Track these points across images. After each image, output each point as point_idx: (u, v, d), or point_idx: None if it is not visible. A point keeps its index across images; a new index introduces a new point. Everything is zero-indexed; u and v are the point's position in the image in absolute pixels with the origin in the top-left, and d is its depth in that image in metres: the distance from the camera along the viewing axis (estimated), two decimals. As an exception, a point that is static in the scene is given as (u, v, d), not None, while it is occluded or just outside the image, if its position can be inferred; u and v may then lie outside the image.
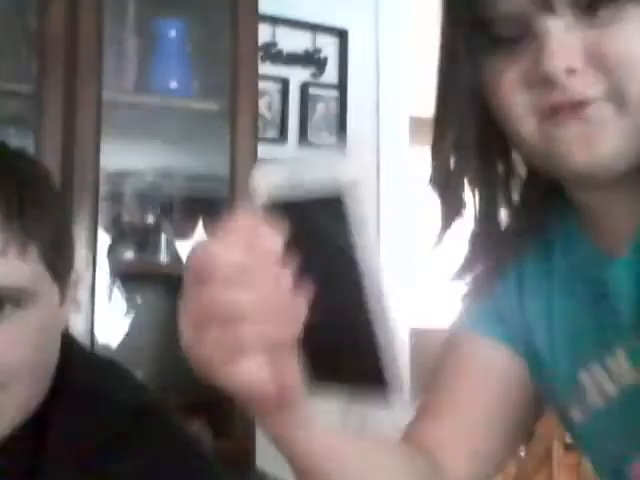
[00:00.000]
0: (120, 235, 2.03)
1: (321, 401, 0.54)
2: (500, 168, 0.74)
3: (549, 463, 2.29)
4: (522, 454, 2.30)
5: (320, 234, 0.50)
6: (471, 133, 0.71)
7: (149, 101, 1.99)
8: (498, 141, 0.71)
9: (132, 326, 2.09)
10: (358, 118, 2.47)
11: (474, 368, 0.80)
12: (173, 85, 1.98)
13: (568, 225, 0.75)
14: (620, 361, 0.69)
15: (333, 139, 2.42)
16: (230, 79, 1.96)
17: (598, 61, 0.62)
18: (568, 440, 2.07)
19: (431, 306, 5.12)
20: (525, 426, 0.84)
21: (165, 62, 1.99)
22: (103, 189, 1.87)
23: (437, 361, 0.83)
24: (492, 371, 0.79)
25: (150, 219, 2.06)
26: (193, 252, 0.50)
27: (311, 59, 2.43)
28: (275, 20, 2.35)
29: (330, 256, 0.50)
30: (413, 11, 2.62)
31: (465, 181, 0.73)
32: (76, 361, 0.87)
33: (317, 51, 2.43)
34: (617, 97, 0.63)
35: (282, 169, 0.50)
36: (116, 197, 2.04)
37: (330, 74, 2.45)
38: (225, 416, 1.88)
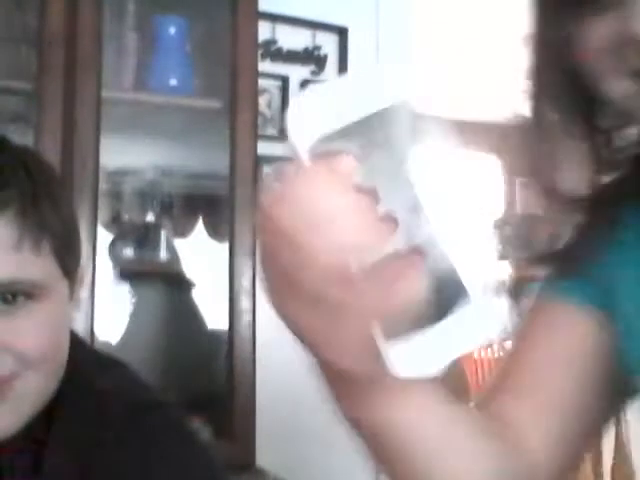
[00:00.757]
0: (120, 233, 2.03)
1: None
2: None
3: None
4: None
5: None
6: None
7: (149, 99, 1.99)
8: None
9: (132, 324, 2.09)
10: (358, 116, 2.47)
11: (563, 341, 0.73)
12: (173, 83, 1.98)
13: None
14: None
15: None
16: (230, 77, 1.96)
17: None
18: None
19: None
20: (610, 410, 0.77)
21: (165, 60, 1.99)
22: (103, 187, 1.87)
23: (524, 325, 0.77)
24: (582, 345, 0.72)
25: (150, 217, 2.06)
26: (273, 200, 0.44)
27: (311, 57, 2.43)
28: (275, 18, 2.34)
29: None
30: (413, 8, 2.62)
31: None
32: (79, 358, 0.88)
33: (317, 48, 2.43)
34: None
35: (320, 102, 0.44)
36: (116, 195, 2.04)
37: (330, 72, 2.45)
38: (225, 416, 1.88)
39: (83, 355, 0.90)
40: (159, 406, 0.89)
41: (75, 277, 0.86)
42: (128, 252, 2.03)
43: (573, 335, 0.73)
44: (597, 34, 0.62)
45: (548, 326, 0.74)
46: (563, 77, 0.68)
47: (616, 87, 0.63)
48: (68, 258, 0.83)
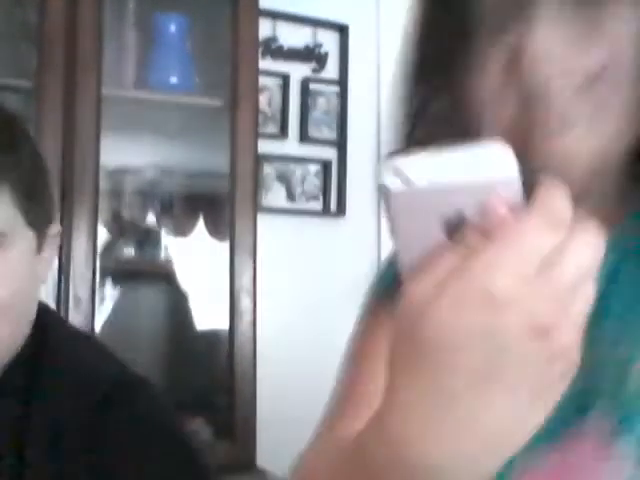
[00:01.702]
0: (120, 232, 2.02)
1: None
2: None
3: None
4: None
5: None
6: None
7: (149, 97, 1.98)
8: None
9: (132, 324, 2.09)
10: (359, 113, 2.46)
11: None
12: (173, 80, 1.97)
13: None
14: None
15: (334, 135, 2.41)
16: (230, 74, 1.95)
17: (587, 46, 0.55)
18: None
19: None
20: None
21: (165, 58, 1.98)
22: (103, 185, 1.87)
23: (351, 351, 0.75)
24: None
25: (150, 216, 2.06)
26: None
27: (312, 54, 2.42)
28: (275, 15, 2.34)
29: None
30: (414, 5, 2.61)
31: None
32: (49, 324, 0.90)
33: (318, 46, 2.43)
34: (601, 83, 0.55)
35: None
36: (116, 194, 2.03)
37: (331, 69, 2.44)
38: (225, 416, 1.88)
39: (52, 321, 0.92)
40: (140, 384, 0.90)
41: (44, 231, 0.87)
42: (128, 251, 2.02)
43: None
44: (490, 67, 0.56)
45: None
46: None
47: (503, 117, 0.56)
48: (34, 209, 0.84)
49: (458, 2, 0.60)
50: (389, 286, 0.69)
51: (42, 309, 0.90)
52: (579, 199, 0.49)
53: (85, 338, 1.00)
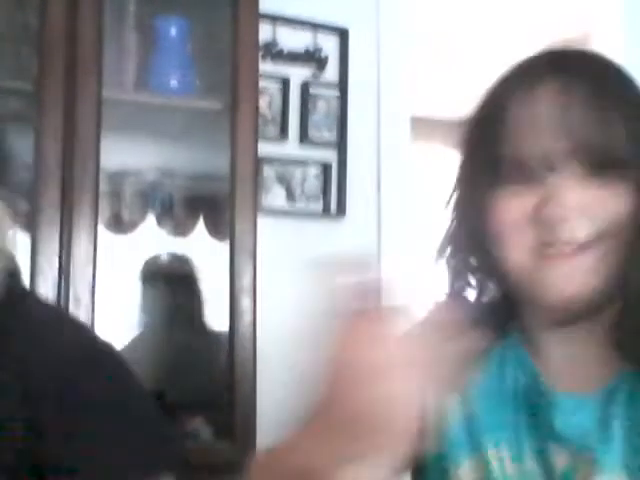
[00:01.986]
0: (120, 233, 2.03)
1: None
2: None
3: None
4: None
5: None
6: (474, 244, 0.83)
7: (149, 99, 1.99)
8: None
9: (132, 324, 2.09)
10: (359, 117, 2.47)
11: None
12: (173, 83, 1.98)
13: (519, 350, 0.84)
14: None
15: (334, 137, 2.42)
16: (230, 77, 1.96)
17: (596, 213, 0.74)
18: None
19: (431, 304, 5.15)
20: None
21: (165, 60, 1.99)
22: (103, 187, 1.87)
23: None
24: None
25: (150, 217, 2.06)
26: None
27: (312, 58, 2.43)
28: (276, 19, 2.35)
29: None
30: (414, 9, 2.62)
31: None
32: (25, 298, 0.98)
33: (318, 50, 2.43)
34: (604, 245, 0.74)
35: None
36: (116, 195, 2.04)
37: (331, 73, 2.45)
38: (225, 416, 1.88)
39: (21, 290, 1.03)
40: (106, 352, 0.98)
41: None
42: (129, 252, 2.03)
43: None
44: (517, 205, 0.76)
45: None
46: (474, 242, 0.82)
47: (519, 254, 0.76)
48: None
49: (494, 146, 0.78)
50: None
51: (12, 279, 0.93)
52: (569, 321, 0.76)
53: (54, 309, 1.05)
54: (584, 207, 0.74)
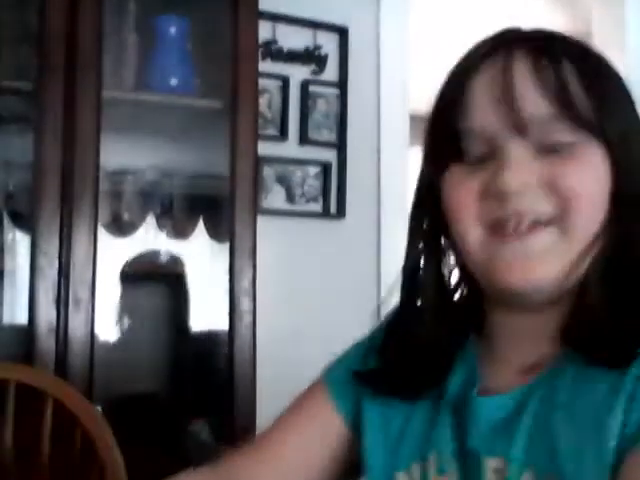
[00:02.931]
0: (120, 233, 2.02)
1: None
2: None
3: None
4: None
5: None
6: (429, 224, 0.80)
7: (149, 99, 1.98)
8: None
9: (132, 324, 2.09)
10: (358, 116, 2.47)
11: (312, 424, 0.87)
12: (173, 83, 1.98)
13: (469, 356, 0.80)
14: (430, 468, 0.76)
15: (333, 137, 2.42)
16: (230, 77, 1.96)
17: (551, 188, 0.69)
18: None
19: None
20: None
21: (165, 60, 1.98)
22: (103, 187, 1.87)
23: (293, 400, 0.90)
24: (326, 435, 0.87)
25: (150, 217, 2.06)
26: None
27: (311, 56, 2.42)
28: (275, 17, 2.34)
29: None
30: (413, 8, 2.62)
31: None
32: None
33: (317, 48, 2.43)
34: (562, 223, 0.69)
35: None
36: (116, 195, 2.04)
37: (330, 71, 2.45)
38: (225, 417, 1.88)
39: None
40: None
41: None
42: (129, 253, 2.02)
43: (323, 428, 0.87)
44: (468, 184, 0.72)
45: (309, 408, 0.89)
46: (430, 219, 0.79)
47: (473, 236, 0.72)
48: None
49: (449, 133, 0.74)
50: (344, 388, 0.87)
51: None
52: (543, 307, 0.72)
53: None
54: (540, 180, 0.69)
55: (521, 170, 0.69)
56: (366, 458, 0.82)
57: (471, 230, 0.72)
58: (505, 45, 0.72)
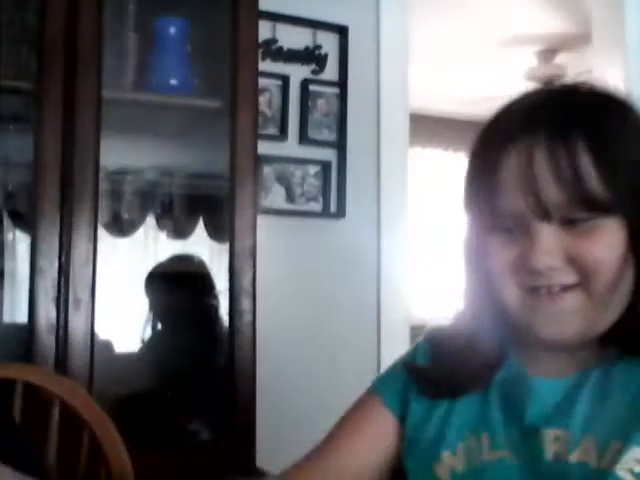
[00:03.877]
0: (120, 233, 2.03)
1: None
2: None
3: None
4: None
5: None
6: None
7: (149, 99, 1.99)
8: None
9: (132, 324, 2.09)
10: (358, 115, 2.47)
11: (366, 434, 0.97)
12: (173, 82, 1.98)
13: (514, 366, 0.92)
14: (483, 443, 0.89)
15: (333, 136, 2.42)
16: (230, 76, 1.95)
17: (574, 263, 0.81)
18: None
19: (431, 303, 5.15)
20: None
21: (165, 59, 1.98)
22: (103, 187, 1.87)
23: (347, 411, 1.00)
24: (378, 443, 0.96)
25: (150, 217, 2.06)
26: None
27: (311, 56, 2.43)
28: (275, 17, 2.35)
29: None
30: (413, 7, 2.62)
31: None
32: None
33: (317, 48, 2.43)
34: (586, 287, 0.81)
35: None
36: (116, 195, 2.04)
37: (330, 71, 2.45)
38: (225, 417, 1.88)
39: None
40: None
41: None
42: (129, 252, 2.03)
43: (374, 431, 0.97)
44: (504, 256, 0.85)
45: (360, 417, 0.99)
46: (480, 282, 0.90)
47: (511, 295, 0.85)
48: None
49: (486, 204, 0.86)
50: (392, 387, 0.98)
51: None
52: (565, 349, 0.86)
53: None
54: (566, 254, 0.81)
55: (548, 252, 0.81)
56: (408, 443, 0.93)
57: (509, 292, 0.85)
58: (530, 128, 0.82)
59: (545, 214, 0.81)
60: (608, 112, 0.84)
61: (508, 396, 0.89)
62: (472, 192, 0.89)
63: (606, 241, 0.81)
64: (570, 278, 0.82)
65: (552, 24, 4.20)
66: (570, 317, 0.83)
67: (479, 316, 0.92)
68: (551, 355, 0.89)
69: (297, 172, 2.36)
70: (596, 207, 0.80)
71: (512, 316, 0.86)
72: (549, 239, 0.81)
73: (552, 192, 0.80)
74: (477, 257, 0.89)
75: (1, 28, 1.85)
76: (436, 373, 0.94)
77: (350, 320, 2.40)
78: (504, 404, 0.89)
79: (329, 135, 2.41)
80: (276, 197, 2.33)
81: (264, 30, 2.24)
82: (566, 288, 0.82)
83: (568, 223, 0.81)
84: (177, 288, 2.09)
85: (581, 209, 0.80)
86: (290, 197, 2.35)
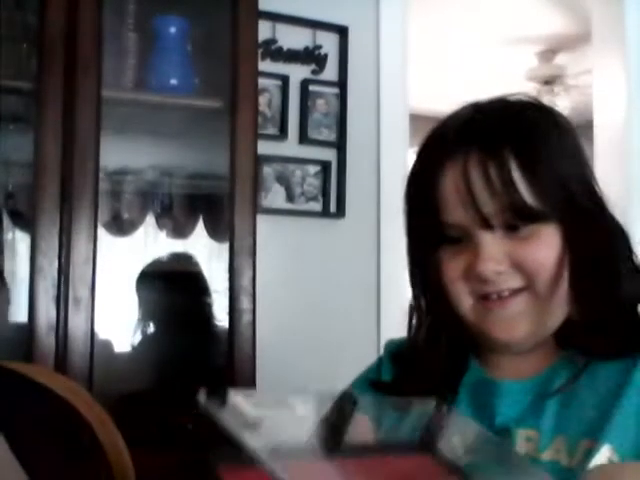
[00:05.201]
0: (120, 233, 2.03)
1: None
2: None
3: None
4: None
5: None
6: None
7: (149, 98, 1.99)
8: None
9: (131, 323, 2.09)
10: (358, 115, 2.47)
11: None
12: (173, 82, 1.98)
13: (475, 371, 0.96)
14: None
15: (333, 136, 2.42)
16: (230, 76, 1.96)
17: (518, 267, 0.87)
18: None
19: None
20: None
21: (165, 59, 1.99)
22: (103, 186, 1.87)
23: None
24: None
25: (150, 217, 2.06)
26: None
27: (311, 56, 2.43)
28: (275, 17, 2.35)
29: None
30: (413, 8, 2.62)
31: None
32: None
33: (317, 48, 2.43)
34: (532, 290, 0.87)
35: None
36: (116, 195, 2.04)
37: (330, 71, 2.45)
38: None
39: None
40: None
41: None
42: (129, 252, 2.03)
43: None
44: (454, 266, 0.89)
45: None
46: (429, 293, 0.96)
47: (464, 303, 0.90)
48: None
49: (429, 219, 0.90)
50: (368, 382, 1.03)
51: None
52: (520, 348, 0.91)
53: None
54: (510, 259, 0.87)
55: (492, 258, 0.86)
56: None
57: (463, 300, 0.90)
58: (463, 144, 0.87)
59: (486, 224, 0.86)
60: (537, 126, 0.88)
61: (477, 398, 0.92)
62: (414, 210, 0.93)
63: (544, 245, 0.87)
64: (517, 282, 0.87)
65: (552, 24, 4.20)
66: (519, 319, 0.88)
67: (433, 327, 0.96)
68: (510, 358, 0.93)
69: (297, 172, 2.36)
70: (530, 216, 0.85)
71: (467, 323, 0.91)
72: (493, 246, 0.86)
73: (488, 203, 0.85)
74: (427, 270, 0.93)
75: (1, 27, 1.85)
76: (403, 386, 0.97)
77: (350, 320, 2.41)
78: (474, 406, 0.92)
79: (329, 135, 2.41)
80: (276, 197, 2.33)
81: (264, 30, 2.24)
82: (515, 292, 0.87)
83: (511, 229, 0.86)
84: (175, 287, 2.09)
85: (516, 218, 0.86)
86: (290, 197, 2.35)
